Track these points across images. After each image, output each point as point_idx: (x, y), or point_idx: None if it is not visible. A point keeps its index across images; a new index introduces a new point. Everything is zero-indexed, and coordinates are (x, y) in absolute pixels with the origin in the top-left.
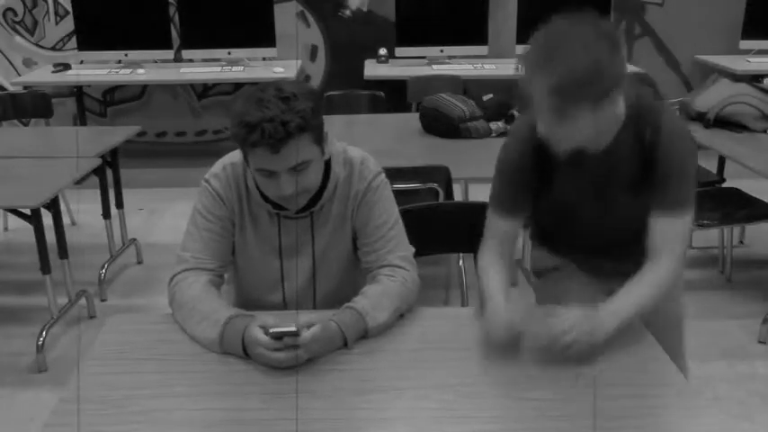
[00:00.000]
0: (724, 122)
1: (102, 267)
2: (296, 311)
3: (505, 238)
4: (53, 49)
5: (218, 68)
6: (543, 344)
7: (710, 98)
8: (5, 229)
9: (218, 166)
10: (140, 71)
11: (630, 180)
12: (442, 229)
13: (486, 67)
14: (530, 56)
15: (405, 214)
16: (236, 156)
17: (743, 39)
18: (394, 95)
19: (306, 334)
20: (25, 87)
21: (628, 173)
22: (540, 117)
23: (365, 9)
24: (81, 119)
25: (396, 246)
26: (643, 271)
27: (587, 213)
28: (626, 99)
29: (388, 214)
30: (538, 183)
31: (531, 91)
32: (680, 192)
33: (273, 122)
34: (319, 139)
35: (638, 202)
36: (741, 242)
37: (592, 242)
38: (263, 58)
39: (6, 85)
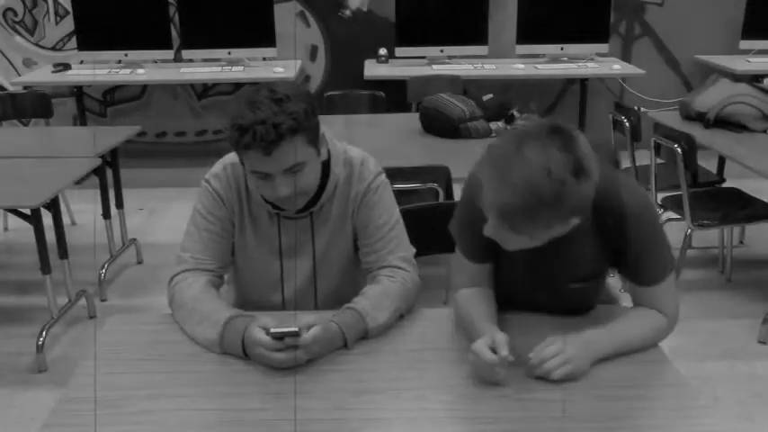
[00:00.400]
0: (724, 122)
1: (102, 267)
2: (294, 312)
3: (481, 278)
4: (53, 49)
5: (218, 68)
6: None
7: (710, 98)
8: (5, 229)
9: (218, 166)
10: (140, 71)
11: (585, 270)
12: (442, 229)
13: (486, 67)
14: (486, 168)
15: (405, 214)
16: (236, 156)
17: (743, 39)
18: (394, 95)
19: (307, 335)
20: (25, 87)
21: (583, 262)
22: (490, 224)
23: (365, 9)
24: (81, 119)
25: (396, 247)
26: (645, 314)
27: (535, 297)
28: None
29: (388, 215)
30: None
31: (483, 202)
32: (659, 264)
33: (265, 125)
34: (314, 141)
35: (590, 287)
36: (741, 242)
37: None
38: (263, 58)
39: (6, 85)
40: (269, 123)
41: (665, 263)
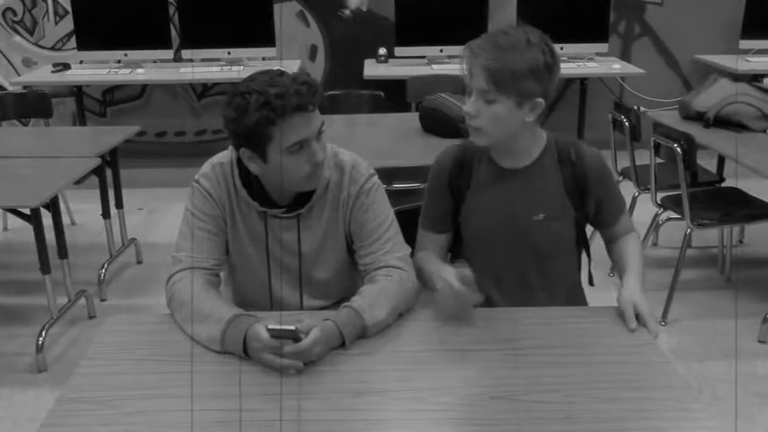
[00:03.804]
0: (724, 122)
1: (102, 267)
2: (280, 312)
3: (435, 248)
4: (53, 48)
5: (218, 68)
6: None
7: (710, 98)
8: (5, 229)
9: (206, 166)
10: (140, 71)
11: (548, 202)
12: None
13: None
14: (476, 41)
15: (402, 214)
16: (224, 156)
17: (742, 38)
18: (394, 95)
19: (304, 341)
20: (25, 87)
21: (545, 196)
22: (468, 100)
23: (365, 9)
24: (81, 119)
25: (392, 247)
26: (626, 247)
27: (500, 236)
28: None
29: (383, 216)
30: (457, 203)
31: (467, 73)
32: (618, 199)
33: (297, 83)
34: None
35: (554, 223)
36: (741, 242)
37: (510, 276)
38: (263, 58)
39: (6, 85)
40: (299, 81)
41: (622, 198)
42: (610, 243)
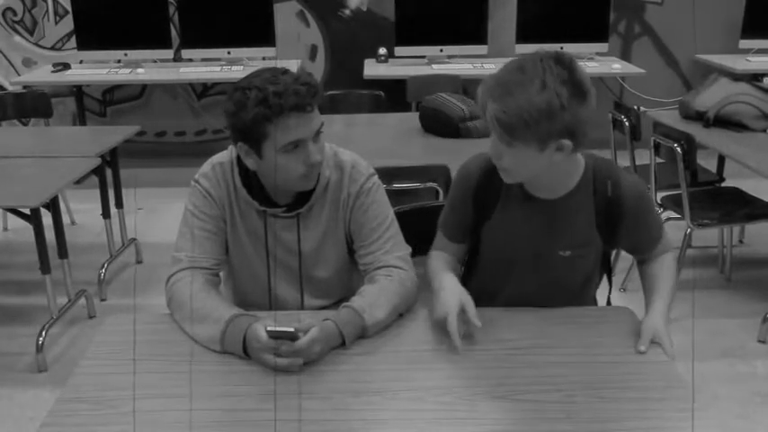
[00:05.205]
0: (724, 122)
1: (102, 267)
2: (295, 312)
3: (451, 253)
4: (53, 48)
5: (218, 68)
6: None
7: (710, 97)
8: (5, 228)
9: (206, 166)
10: (140, 71)
11: (575, 238)
12: None
13: (486, 66)
14: (489, 82)
15: (403, 214)
16: (224, 156)
17: (743, 38)
18: (394, 95)
19: (301, 340)
20: (25, 87)
21: (573, 230)
22: (492, 141)
23: (365, 9)
24: (81, 119)
25: (392, 247)
26: (657, 269)
27: (521, 267)
28: (584, 156)
29: (383, 216)
30: (479, 219)
31: (484, 115)
32: (656, 227)
33: (299, 83)
34: None
35: (577, 259)
36: (741, 241)
37: (522, 301)
38: (263, 58)
39: (6, 84)
40: (301, 81)
41: (658, 228)
42: (641, 264)
